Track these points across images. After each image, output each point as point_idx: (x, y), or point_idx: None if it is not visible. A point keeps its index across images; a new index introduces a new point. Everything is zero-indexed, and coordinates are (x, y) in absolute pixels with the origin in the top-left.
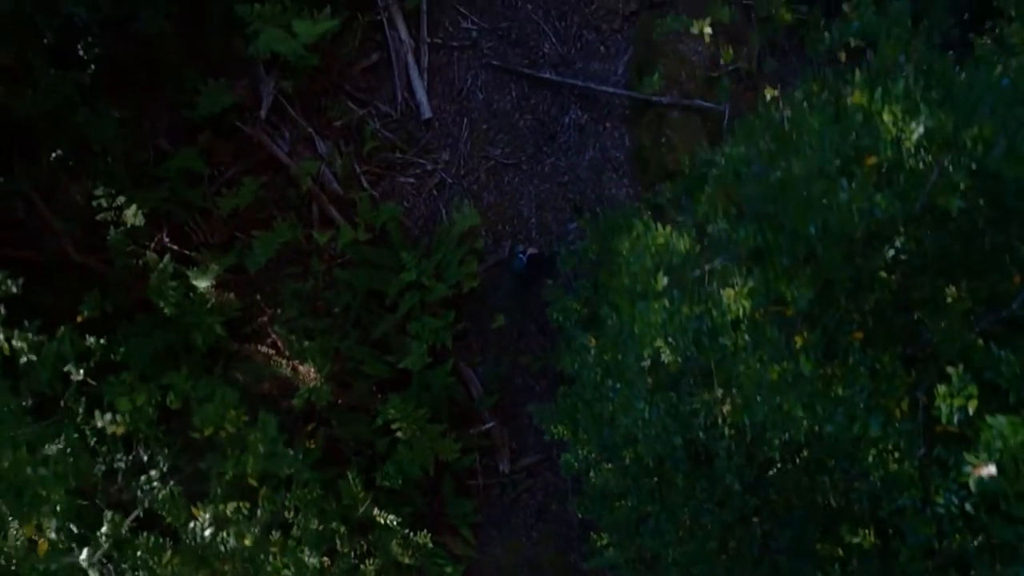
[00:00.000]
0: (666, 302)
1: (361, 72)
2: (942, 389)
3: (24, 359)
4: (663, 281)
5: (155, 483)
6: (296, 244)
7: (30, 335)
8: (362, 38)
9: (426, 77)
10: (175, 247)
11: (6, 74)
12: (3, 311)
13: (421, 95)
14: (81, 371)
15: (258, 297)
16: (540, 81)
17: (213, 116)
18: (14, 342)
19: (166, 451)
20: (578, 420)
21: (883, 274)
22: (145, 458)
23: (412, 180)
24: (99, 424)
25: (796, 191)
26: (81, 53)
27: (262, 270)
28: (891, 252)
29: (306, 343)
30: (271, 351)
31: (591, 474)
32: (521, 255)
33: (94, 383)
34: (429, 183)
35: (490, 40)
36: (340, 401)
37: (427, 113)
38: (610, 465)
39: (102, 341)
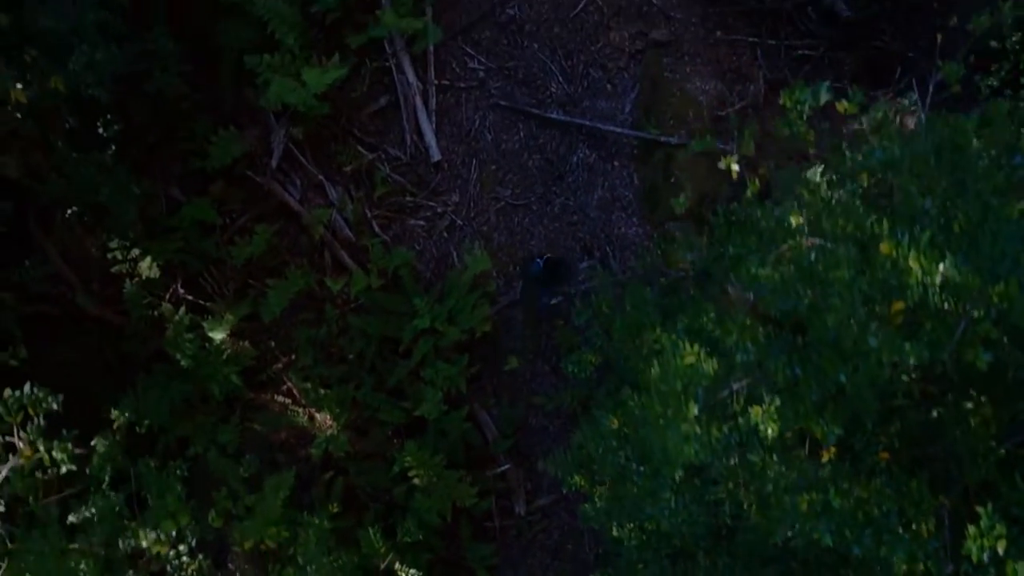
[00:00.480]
0: (696, 428)
1: (370, 116)
2: (972, 530)
3: (64, 469)
4: (694, 410)
5: (184, 557)
6: (309, 291)
7: (69, 446)
8: (370, 82)
9: (434, 119)
10: (189, 297)
11: (30, 159)
12: (43, 424)
13: (430, 138)
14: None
15: (272, 344)
16: (548, 121)
17: (225, 166)
18: (54, 453)
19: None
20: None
21: (907, 401)
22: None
23: (423, 223)
24: (144, 543)
25: (825, 334)
26: (101, 131)
27: (275, 317)
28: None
29: (322, 391)
30: (287, 400)
31: (612, 530)
32: (538, 260)
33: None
34: (440, 225)
35: (497, 80)
36: (357, 447)
37: (436, 156)
38: (631, 525)
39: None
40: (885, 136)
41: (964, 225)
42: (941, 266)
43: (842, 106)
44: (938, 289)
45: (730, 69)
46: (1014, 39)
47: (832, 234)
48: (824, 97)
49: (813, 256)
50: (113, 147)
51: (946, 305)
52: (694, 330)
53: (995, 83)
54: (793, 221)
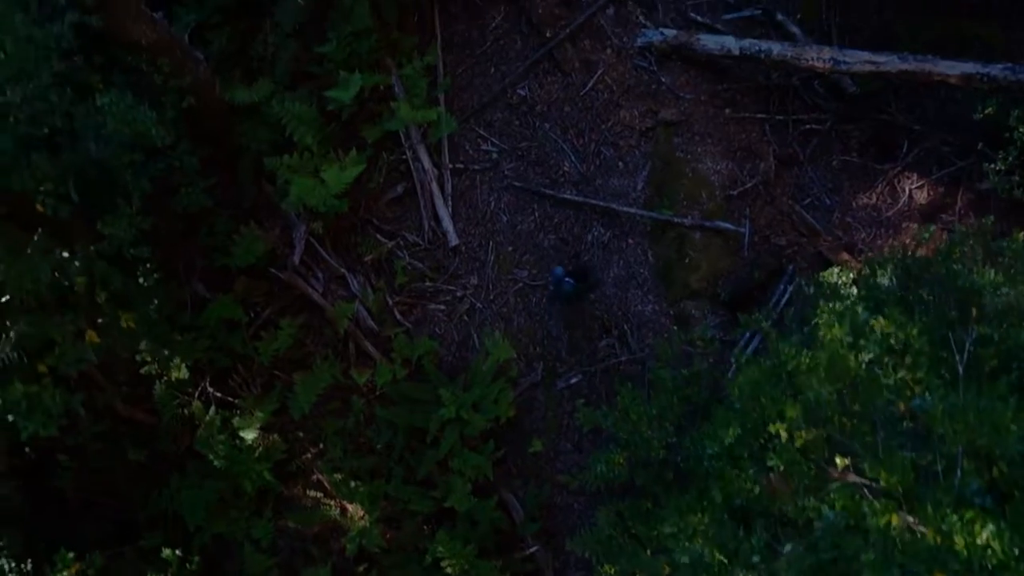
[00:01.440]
0: None
1: (387, 204)
2: None
3: None
4: None
5: None
6: (336, 382)
7: None
8: (387, 172)
9: (451, 203)
10: (218, 394)
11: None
12: None
13: (447, 223)
14: None
15: (301, 435)
16: (562, 200)
17: (248, 264)
18: None
19: None
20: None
21: None
22: None
23: (443, 307)
24: None
25: None
26: (141, 281)
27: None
28: None
29: (353, 484)
30: (318, 493)
31: None
32: (568, 280)
33: None
34: (460, 309)
35: (511, 161)
36: (389, 540)
37: (454, 240)
38: None
39: None
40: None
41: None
42: (988, 548)
43: None
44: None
45: (740, 147)
46: (1022, 130)
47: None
48: None
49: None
50: (156, 301)
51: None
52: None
53: (1002, 167)
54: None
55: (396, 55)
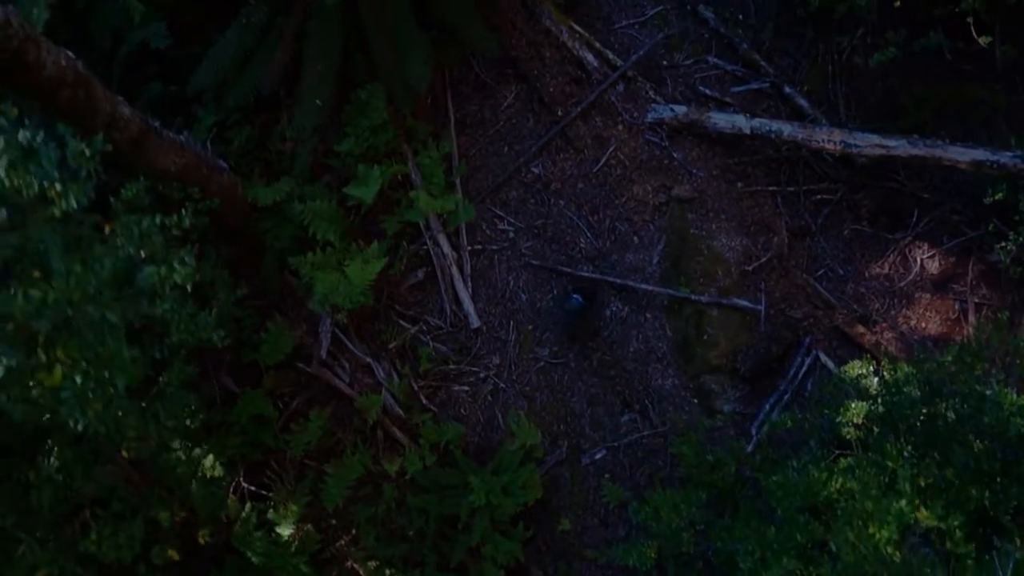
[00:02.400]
0: None
1: (408, 289)
2: None
3: None
4: None
5: None
6: (366, 470)
7: None
8: (407, 260)
9: (470, 285)
10: (252, 488)
11: None
12: None
13: (468, 305)
14: None
15: (334, 523)
16: (579, 277)
17: (277, 361)
18: None
19: None
20: None
21: None
22: None
23: (467, 388)
24: None
25: None
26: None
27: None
28: None
29: (387, 572)
30: None
31: None
32: (575, 296)
33: None
34: (483, 390)
35: (527, 239)
36: None
37: (475, 322)
38: None
39: None
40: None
41: None
42: None
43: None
44: None
45: (754, 221)
46: None
47: None
48: None
49: None
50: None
51: None
52: None
53: (1012, 247)
54: None
55: (412, 141)
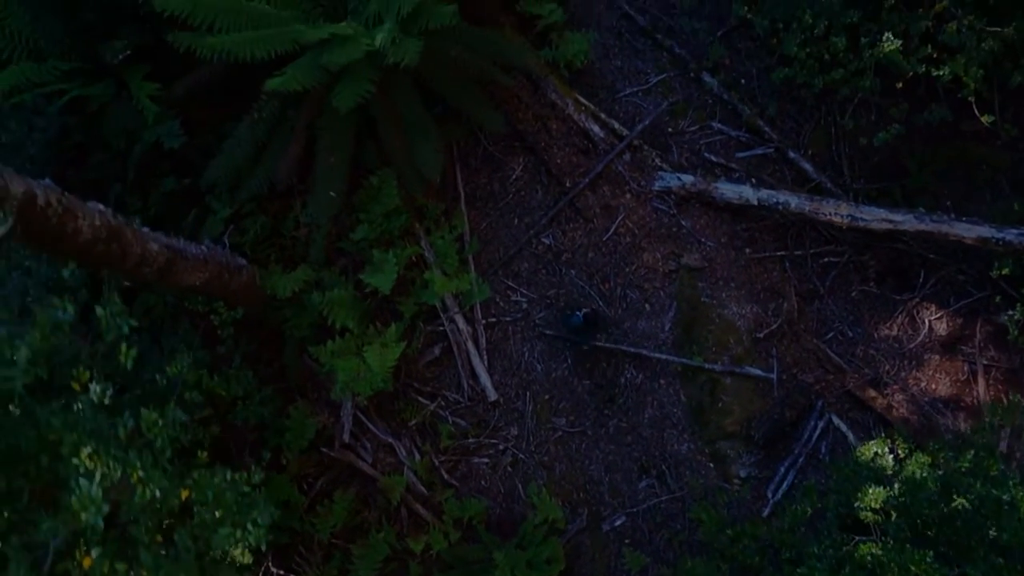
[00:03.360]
0: None
1: (426, 365)
2: None
3: None
4: None
5: None
6: (392, 550)
7: None
8: (424, 338)
9: (486, 358)
10: (280, 572)
11: None
12: None
13: (485, 379)
14: None
15: None
16: (592, 346)
17: (302, 448)
18: None
19: None
20: None
21: None
22: None
23: (487, 460)
24: None
25: None
26: None
27: None
28: None
29: None
30: None
31: None
32: (578, 312)
33: None
34: (503, 461)
35: (540, 309)
36: None
37: (492, 395)
38: None
39: None
40: None
41: None
42: None
43: None
44: None
45: (763, 287)
46: None
47: None
48: None
49: None
50: None
51: None
52: None
53: (1019, 317)
54: None
55: (423, 219)
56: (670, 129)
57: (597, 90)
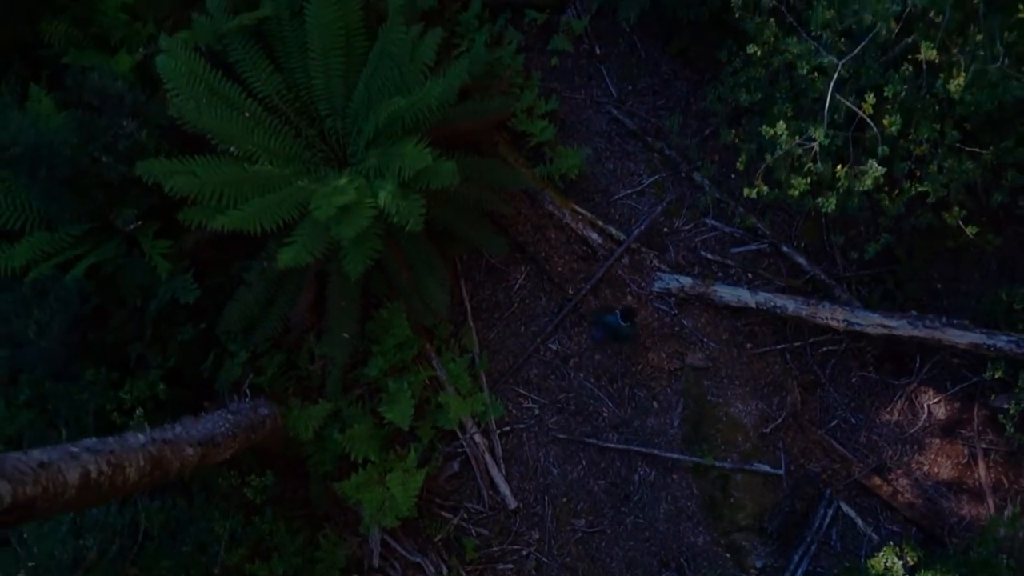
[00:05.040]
0: None
1: (446, 480)
2: None
3: None
4: None
5: None
6: None
7: None
8: (443, 457)
9: (503, 467)
10: None
11: None
12: None
13: (503, 488)
14: None
15: None
16: (605, 448)
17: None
18: None
19: None
20: None
21: None
22: None
23: (511, 567)
24: None
25: None
26: None
27: None
28: None
29: None
30: None
31: None
32: (616, 314)
33: None
34: (527, 567)
35: (552, 414)
36: None
37: (512, 503)
38: None
39: None
40: None
41: None
42: None
43: None
44: None
45: (766, 382)
46: None
47: None
48: None
49: None
50: None
51: None
52: None
53: (1015, 414)
54: None
55: (434, 340)
56: (665, 229)
57: (592, 195)
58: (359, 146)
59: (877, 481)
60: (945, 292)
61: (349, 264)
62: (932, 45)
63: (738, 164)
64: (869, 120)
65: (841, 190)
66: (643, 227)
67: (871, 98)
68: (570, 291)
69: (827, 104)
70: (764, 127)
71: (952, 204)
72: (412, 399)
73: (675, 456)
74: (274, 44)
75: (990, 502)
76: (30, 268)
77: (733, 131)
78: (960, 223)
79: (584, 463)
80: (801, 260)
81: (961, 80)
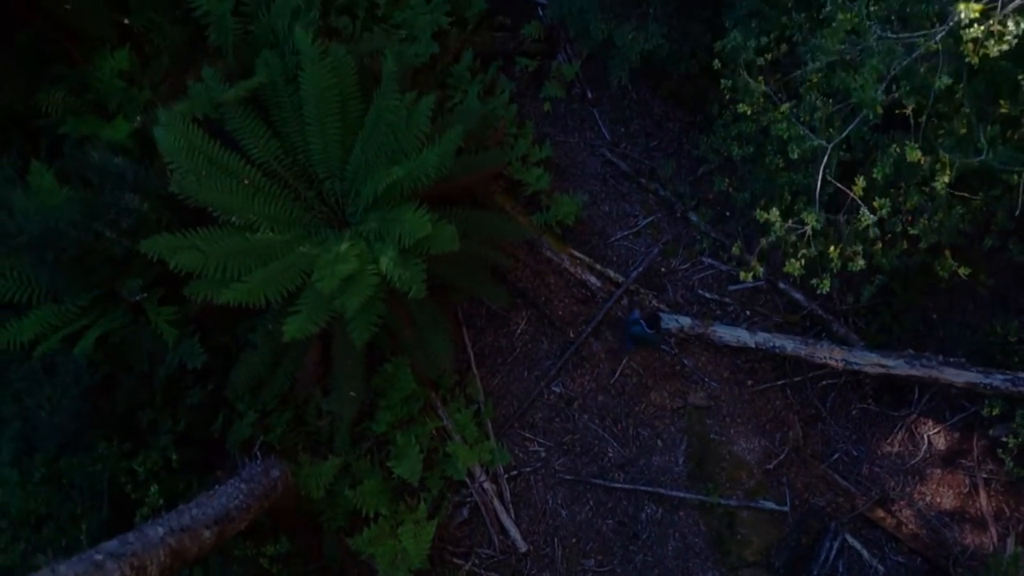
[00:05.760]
0: None
1: (457, 527)
2: None
3: None
4: None
5: None
6: None
7: None
8: (452, 505)
9: (512, 511)
10: None
11: None
12: None
13: (513, 532)
14: None
15: None
16: (612, 488)
17: None
18: None
19: None
20: None
21: None
22: None
23: None
24: None
25: None
26: None
27: None
28: None
29: None
30: None
31: None
32: (638, 321)
33: None
34: None
35: (558, 456)
36: None
37: (523, 546)
38: None
39: None
40: None
41: None
42: None
43: None
44: None
45: (768, 419)
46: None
47: None
48: None
49: None
50: None
51: None
52: None
53: (1013, 448)
54: None
55: (439, 389)
56: (663, 269)
57: (589, 237)
58: (358, 207)
59: (881, 513)
60: (941, 323)
61: (354, 333)
62: (915, 146)
63: (734, 250)
64: (859, 201)
65: (835, 270)
66: (641, 268)
67: (861, 181)
68: (571, 334)
69: (818, 186)
70: (758, 212)
71: (944, 248)
72: (420, 453)
73: (681, 494)
74: (270, 108)
75: (992, 531)
76: (39, 341)
77: (727, 180)
78: (954, 267)
79: (592, 503)
80: (798, 296)
81: (947, 178)
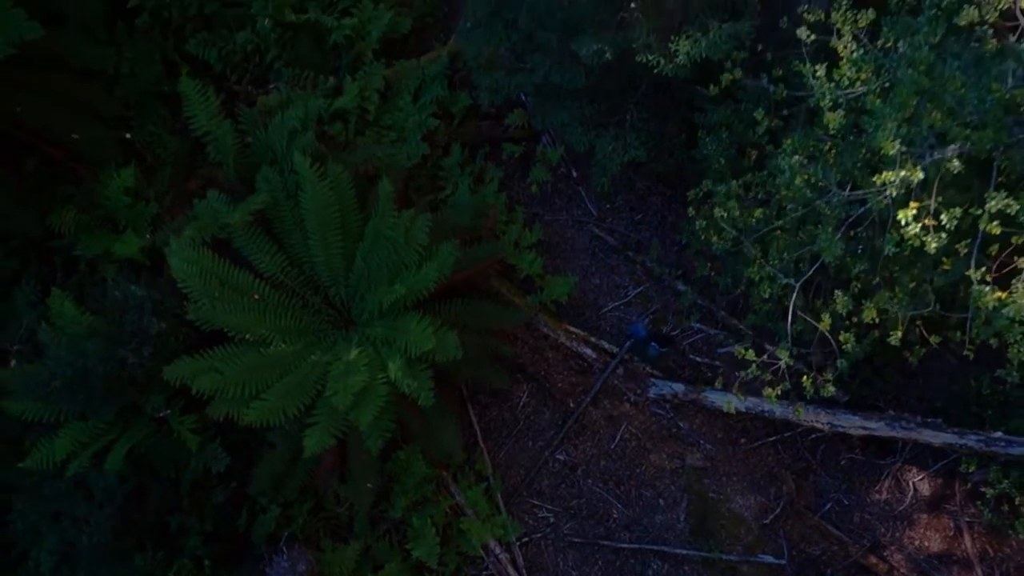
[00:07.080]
0: None
1: None
2: None
3: None
4: None
5: None
6: None
7: None
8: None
9: (526, 575)
10: None
11: None
12: None
13: None
14: None
15: None
16: (619, 548)
17: None
18: None
19: None
20: None
21: None
22: None
23: None
24: None
25: None
26: None
27: None
28: None
29: None
30: None
31: None
32: (653, 344)
33: None
34: None
35: (566, 520)
36: None
37: None
38: None
39: None
40: None
41: None
42: None
43: None
44: None
45: (762, 475)
46: (1000, 484)
47: None
48: None
49: None
50: None
51: None
52: None
53: (991, 499)
54: None
55: (449, 468)
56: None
57: (583, 310)
58: (363, 311)
59: (873, 560)
60: (921, 373)
61: (369, 442)
62: (872, 305)
63: (716, 384)
64: (827, 334)
65: (808, 396)
66: (633, 340)
67: (827, 318)
68: (571, 404)
69: (789, 321)
70: (736, 348)
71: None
72: (437, 536)
73: (684, 551)
74: (273, 222)
75: (979, 572)
76: (70, 460)
77: (709, 264)
78: (922, 352)
79: (600, 563)
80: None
81: (900, 332)
